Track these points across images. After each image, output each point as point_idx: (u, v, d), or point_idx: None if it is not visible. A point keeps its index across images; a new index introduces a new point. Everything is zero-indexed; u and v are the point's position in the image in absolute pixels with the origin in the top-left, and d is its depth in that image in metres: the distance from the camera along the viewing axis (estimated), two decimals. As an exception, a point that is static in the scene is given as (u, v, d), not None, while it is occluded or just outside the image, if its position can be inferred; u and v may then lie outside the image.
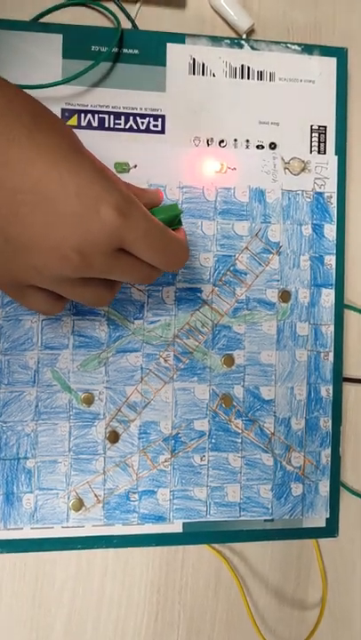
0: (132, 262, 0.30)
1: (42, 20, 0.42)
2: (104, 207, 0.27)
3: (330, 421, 0.44)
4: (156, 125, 0.42)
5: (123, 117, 0.41)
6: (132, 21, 0.44)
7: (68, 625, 0.43)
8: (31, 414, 0.40)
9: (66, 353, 0.40)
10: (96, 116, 0.41)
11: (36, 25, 0.41)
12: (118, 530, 0.41)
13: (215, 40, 0.42)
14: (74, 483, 0.41)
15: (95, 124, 0.41)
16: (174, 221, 0.34)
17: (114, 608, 0.44)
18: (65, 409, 0.41)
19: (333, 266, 0.44)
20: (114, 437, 0.41)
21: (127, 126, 0.41)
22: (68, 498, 0.41)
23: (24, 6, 0.42)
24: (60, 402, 0.40)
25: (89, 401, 0.41)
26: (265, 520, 0.43)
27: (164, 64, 0.42)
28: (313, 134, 0.44)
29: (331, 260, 0.44)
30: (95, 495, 0.41)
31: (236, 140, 0.43)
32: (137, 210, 0.29)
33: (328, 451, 0.44)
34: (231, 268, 0.42)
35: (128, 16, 0.43)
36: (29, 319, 0.40)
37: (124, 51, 0.41)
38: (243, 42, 0.43)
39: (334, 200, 0.44)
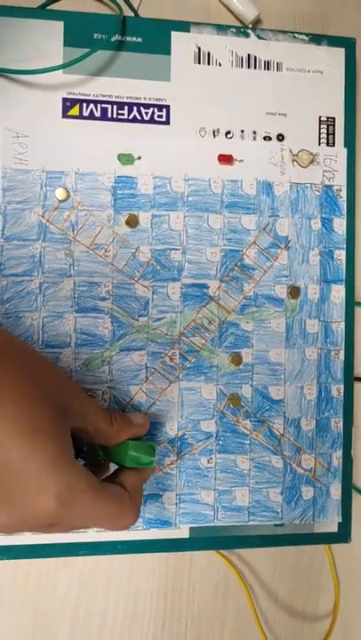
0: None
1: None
2: (43, 496, 0.27)
3: (341, 422, 0.42)
4: (160, 116, 0.40)
5: (126, 107, 0.40)
6: (134, 10, 0.42)
7: (71, 635, 0.41)
8: (32, 415, 0.38)
9: (68, 352, 0.39)
10: (99, 105, 0.39)
11: (37, 12, 0.39)
12: (123, 535, 0.40)
13: (221, 28, 0.41)
14: (76, 487, 0.39)
15: (98, 114, 0.40)
16: (144, 462, 0.34)
17: (119, 617, 0.42)
18: (67, 410, 0.39)
19: (344, 261, 0.42)
20: (118, 439, 0.39)
21: (131, 117, 0.40)
22: (71, 502, 0.39)
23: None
24: (62, 402, 0.39)
25: (92, 401, 0.39)
26: (275, 525, 0.41)
27: (168, 53, 0.40)
28: (321, 126, 0.43)
29: (341, 255, 0.42)
30: (98, 500, 0.39)
31: (242, 132, 0.41)
32: (82, 500, 0.29)
33: (340, 452, 0.42)
34: (239, 264, 0.41)
35: (130, 5, 0.42)
36: (30, 316, 0.38)
37: (127, 39, 0.40)
38: (249, 31, 0.42)
39: (344, 193, 0.42)
